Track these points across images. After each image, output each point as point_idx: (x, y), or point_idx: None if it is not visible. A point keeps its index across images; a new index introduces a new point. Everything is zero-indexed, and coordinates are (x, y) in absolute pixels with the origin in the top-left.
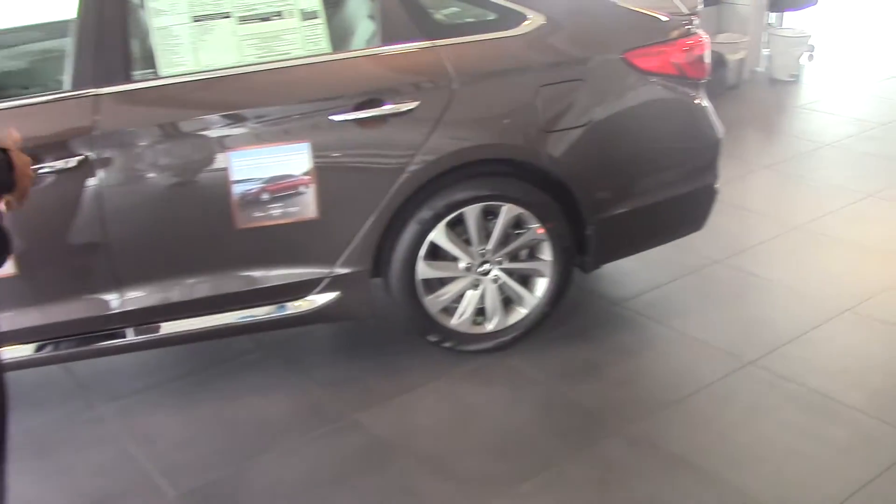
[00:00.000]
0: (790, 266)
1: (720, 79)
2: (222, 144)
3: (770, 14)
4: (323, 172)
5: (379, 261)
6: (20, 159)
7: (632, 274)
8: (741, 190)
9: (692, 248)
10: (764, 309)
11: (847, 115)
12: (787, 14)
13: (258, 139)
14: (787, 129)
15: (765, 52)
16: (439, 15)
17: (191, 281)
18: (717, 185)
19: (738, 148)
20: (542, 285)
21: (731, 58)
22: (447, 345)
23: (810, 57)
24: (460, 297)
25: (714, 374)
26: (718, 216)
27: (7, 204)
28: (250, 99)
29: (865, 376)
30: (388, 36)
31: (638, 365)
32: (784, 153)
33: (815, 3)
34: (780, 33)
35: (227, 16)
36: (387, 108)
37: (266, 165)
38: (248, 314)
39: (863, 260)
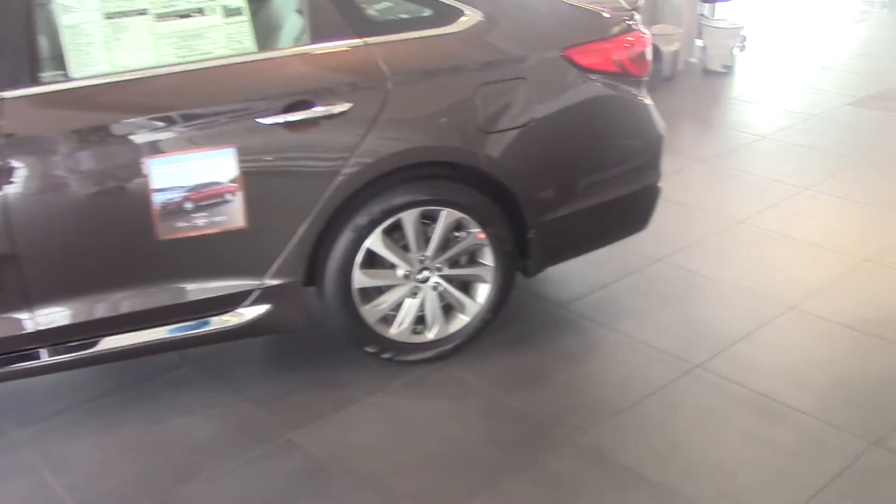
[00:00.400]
0: (732, 263)
1: (655, 70)
2: (141, 151)
3: (703, 5)
4: (251, 179)
5: (313, 269)
6: None
7: (574, 274)
8: (679, 185)
9: (633, 246)
10: (708, 308)
11: (780, 106)
12: (718, 5)
13: (180, 145)
14: (721, 122)
15: (698, 42)
16: (372, 11)
17: (111, 297)
18: (659, 184)
19: (675, 141)
20: (483, 291)
21: (666, 49)
22: (386, 356)
23: (742, 48)
24: (399, 305)
25: (661, 379)
26: (658, 212)
27: None
28: (170, 102)
29: (810, 377)
30: (317, 33)
31: (584, 371)
32: (719, 146)
33: None
34: (713, 24)
35: (143, 13)
36: (318, 111)
37: (189, 172)
38: (173, 330)
39: (803, 255)
